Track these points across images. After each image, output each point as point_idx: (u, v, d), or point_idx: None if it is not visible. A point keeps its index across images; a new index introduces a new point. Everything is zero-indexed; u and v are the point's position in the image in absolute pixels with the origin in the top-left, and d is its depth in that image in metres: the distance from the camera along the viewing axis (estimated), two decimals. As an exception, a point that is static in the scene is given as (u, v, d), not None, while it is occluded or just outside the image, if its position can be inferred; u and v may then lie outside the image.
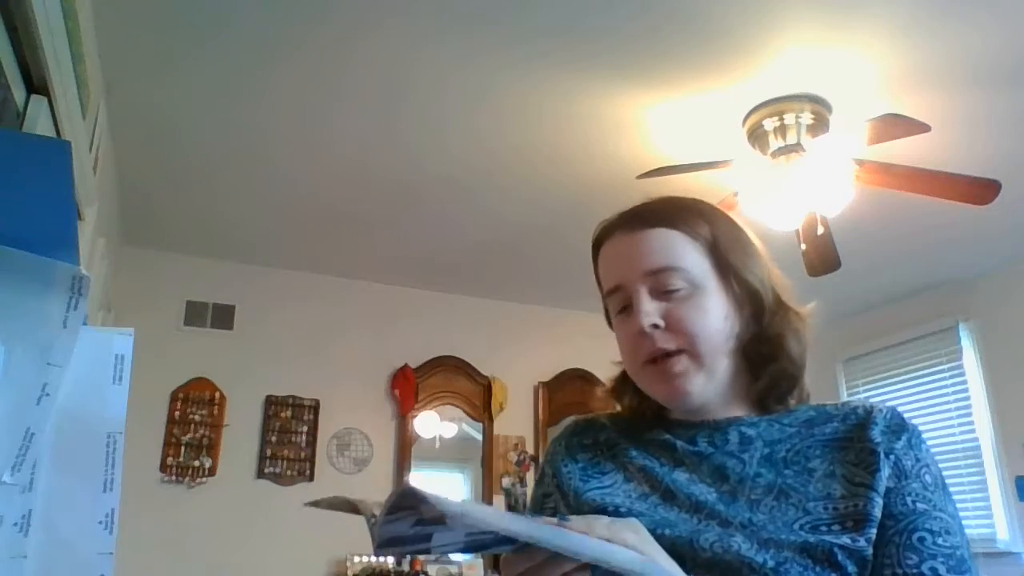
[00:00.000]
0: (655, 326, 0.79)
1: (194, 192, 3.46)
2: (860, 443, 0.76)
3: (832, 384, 4.91)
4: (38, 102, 1.47)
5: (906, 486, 0.74)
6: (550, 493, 0.88)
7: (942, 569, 0.69)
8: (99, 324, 3.00)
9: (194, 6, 2.23)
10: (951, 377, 4.33)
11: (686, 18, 2.24)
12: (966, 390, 4.24)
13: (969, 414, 4.21)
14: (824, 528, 0.71)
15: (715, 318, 0.81)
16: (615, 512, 0.77)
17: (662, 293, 0.81)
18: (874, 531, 0.71)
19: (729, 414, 0.83)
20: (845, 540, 0.70)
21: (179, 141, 3.02)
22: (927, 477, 0.75)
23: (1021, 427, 3.97)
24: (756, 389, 0.83)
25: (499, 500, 4.36)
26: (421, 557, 4.10)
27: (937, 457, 0.78)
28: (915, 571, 0.69)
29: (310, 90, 2.65)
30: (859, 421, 0.78)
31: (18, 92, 1.40)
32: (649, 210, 0.86)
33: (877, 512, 0.72)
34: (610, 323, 0.91)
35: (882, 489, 0.73)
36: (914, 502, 0.73)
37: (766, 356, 0.83)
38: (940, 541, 0.71)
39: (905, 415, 0.80)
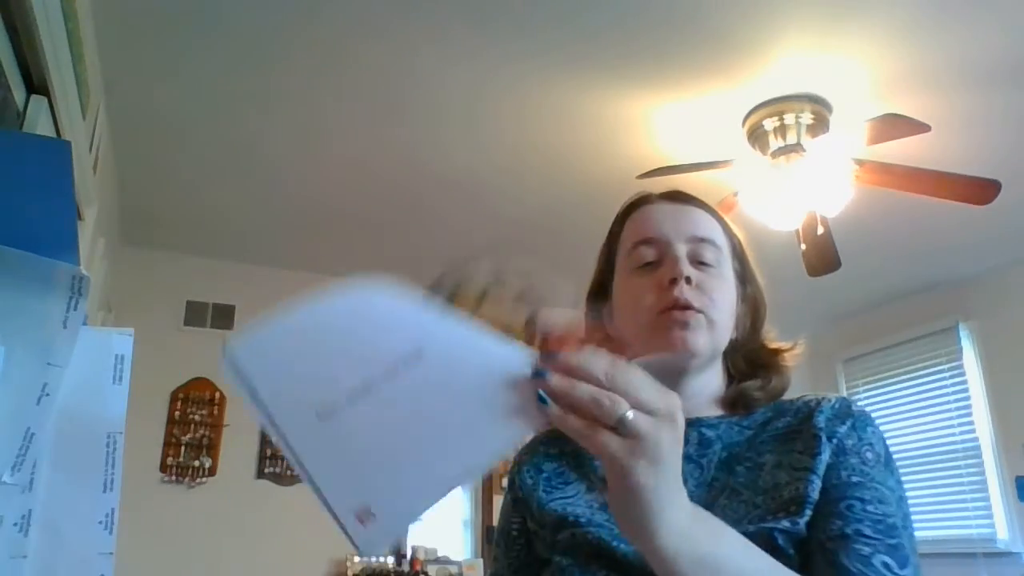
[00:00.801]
0: (688, 280, 0.81)
1: (194, 192, 3.46)
2: (807, 432, 0.76)
3: (832, 384, 4.91)
4: (38, 102, 1.47)
5: (844, 462, 0.73)
6: (518, 499, 0.89)
7: (868, 531, 0.68)
8: (99, 324, 3.00)
9: (194, 6, 2.23)
10: (951, 377, 4.33)
11: (691, 22, 2.26)
12: (966, 390, 4.24)
13: (969, 414, 4.20)
14: (769, 517, 0.71)
15: (730, 304, 0.85)
16: (575, 524, 0.77)
17: (696, 262, 0.83)
18: (812, 512, 0.71)
19: (694, 413, 0.83)
20: (785, 524, 0.70)
21: (179, 141, 3.01)
22: (868, 454, 0.74)
23: (1021, 427, 3.96)
24: (739, 388, 0.84)
25: (499, 500, 4.36)
26: (421, 557, 4.10)
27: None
28: (837, 533, 0.68)
29: (310, 90, 2.65)
30: (808, 412, 0.79)
31: (18, 92, 1.40)
32: (692, 196, 0.90)
33: (815, 494, 0.71)
34: (594, 293, 0.91)
35: (822, 471, 0.72)
36: (848, 476, 0.72)
37: (759, 365, 0.86)
38: (870, 508, 0.70)
39: (864, 406, 0.80)
